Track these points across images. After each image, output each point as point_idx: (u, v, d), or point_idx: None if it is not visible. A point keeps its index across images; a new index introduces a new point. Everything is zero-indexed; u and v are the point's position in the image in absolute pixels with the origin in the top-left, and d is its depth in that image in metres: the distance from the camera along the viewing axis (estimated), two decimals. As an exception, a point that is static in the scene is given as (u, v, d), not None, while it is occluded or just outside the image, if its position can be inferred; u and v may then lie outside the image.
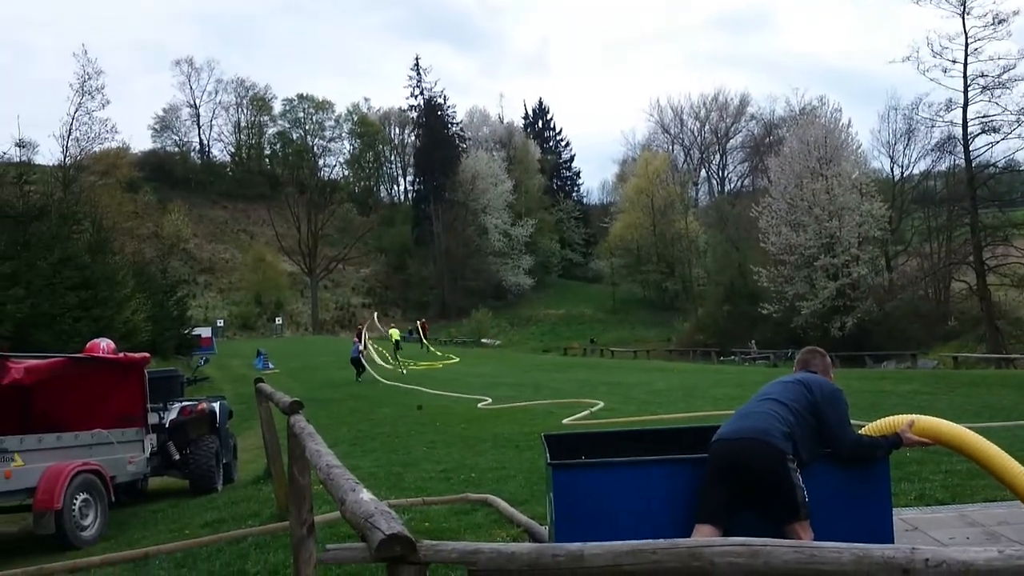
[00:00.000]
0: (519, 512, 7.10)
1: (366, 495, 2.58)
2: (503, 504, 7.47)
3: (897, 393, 17.01)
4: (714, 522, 4.27)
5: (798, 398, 4.53)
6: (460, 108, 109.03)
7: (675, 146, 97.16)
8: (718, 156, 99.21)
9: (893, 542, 4.50)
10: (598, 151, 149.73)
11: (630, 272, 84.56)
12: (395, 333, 48.88)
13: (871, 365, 37.02)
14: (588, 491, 4.49)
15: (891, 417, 4.77)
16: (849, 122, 58.40)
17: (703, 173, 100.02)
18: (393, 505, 7.99)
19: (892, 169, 57.67)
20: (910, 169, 56.96)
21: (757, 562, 2.01)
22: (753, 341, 48.82)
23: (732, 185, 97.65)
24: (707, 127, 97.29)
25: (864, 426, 4.82)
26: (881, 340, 44.20)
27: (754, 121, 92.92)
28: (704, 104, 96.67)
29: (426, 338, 51.35)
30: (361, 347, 31.54)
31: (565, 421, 14.66)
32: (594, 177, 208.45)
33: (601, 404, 17.22)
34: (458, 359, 43.15)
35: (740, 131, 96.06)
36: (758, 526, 4.23)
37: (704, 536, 4.13)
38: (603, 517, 4.45)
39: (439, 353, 46.04)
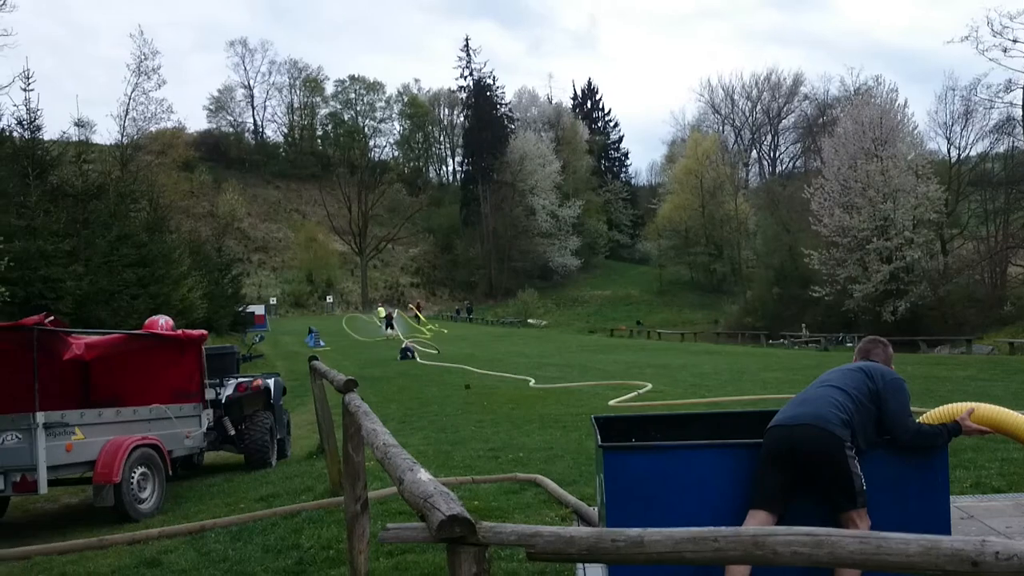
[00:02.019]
0: (567, 492, 7.12)
1: (424, 475, 2.61)
2: (552, 484, 7.49)
3: (952, 379, 16.67)
4: (769, 508, 4.24)
5: (858, 385, 4.47)
6: (509, 88, 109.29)
7: (725, 126, 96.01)
8: (770, 137, 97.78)
9: (950, 531, 4.44)
10: (647, 132, 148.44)
11: (678, 254, 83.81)
12: (381, 311, 54.82)
13: (925, 350, 36.26)
14: (640, 474, 4.48)
15: (950, 405, 4.69)
16: (905, 102, 56.99)
17: (754, 154, 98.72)
18: (443, 483, 8.08)
19: (949, 151, 56.23)
20: (967, 151, 55.52)
21: (821, 552, 1.98)
22: (803, 325, 48.12)
23: (783, 166, 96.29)
24: (759, 107, 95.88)
25: (923, 413, 4.74)
26: (935, 325, 43.25)
27: (807, 101, 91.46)
28: (756, 83, 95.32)
29: (419, 317, 54.58)
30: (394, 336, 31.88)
31: (612, 402, 14.62)
32: (642, 158, 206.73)
33: (649, 386, 17.14)
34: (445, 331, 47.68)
35: (793, 111, 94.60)
36: (813, 513, 4.20)
37: (758, 522, 4.14)
38: (655, 501, 4.43)
39: (428, 327, 49.50)
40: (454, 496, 2.35)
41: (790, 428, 4.34)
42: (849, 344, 38.08)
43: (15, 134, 24.76)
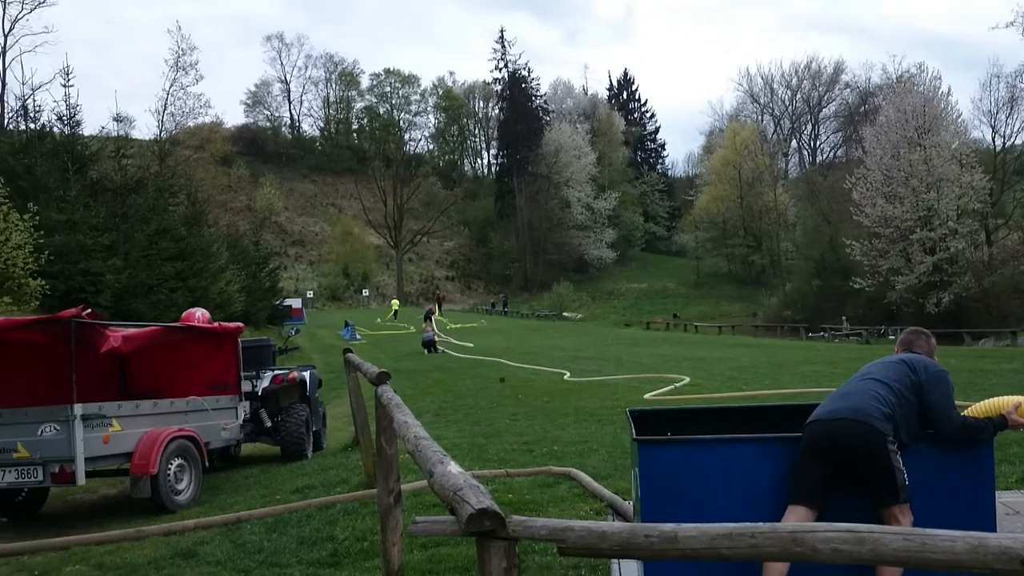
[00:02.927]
0: (602, 486, 7.05)
1: (454, 468, 2.56)
2: (586, 478, 7.43)
3: (997, 372, 16.34)
4: (808, 504, 4.15)
5: (901, 378, 4.35)
6: (544, 80, 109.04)
7: (764, 116, 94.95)
8: (810, 126, 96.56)
9: (995, 527, 4.31)
10: (684, 122, 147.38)
11: (715, 246, 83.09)
12: (395, 304, 56.70)
13: (969, 343, 35.61)
14: (676, 469, 4.40)
15: (996, 398, 4.55)
16: (949, 90, 55.79)
17: (794, 144, 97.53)
18: (476, 476, 8.06)
19: (993, 139, 55.18)
20: (1012, 139, 54.44)
21: (863, 549, 1.91)
22: (844, 317, 47.48)
23: (824, 156, 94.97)
24: (799, 96, 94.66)
25: (968, 407, 4.61)
26: (979, 317, 42.45)
27: (848, 89, 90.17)
28: (796, 72, 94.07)
29: (440, 310, 55.76)
30: (435, 335, 31.92)
31: (647, 396, 14.52)
32: (679, 149, 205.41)
33: (686, 379, 17.00)
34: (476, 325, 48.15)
35: (833, 100, 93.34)
36: (854, 509, 4.10)
37: (797, 518, 4.05)
38: (691, 496, 4.35)
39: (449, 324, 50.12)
40: (484, 489, 2.30)
41: (830, 422, 4.24)
42: (892, 336, 37.50)
43: (55, 129, 25.19)
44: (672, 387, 15.94)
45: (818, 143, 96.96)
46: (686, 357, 24.16)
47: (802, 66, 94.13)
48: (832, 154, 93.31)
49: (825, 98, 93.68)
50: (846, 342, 39.36)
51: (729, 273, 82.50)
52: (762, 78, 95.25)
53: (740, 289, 76.56)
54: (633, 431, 4.94)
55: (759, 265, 79.93)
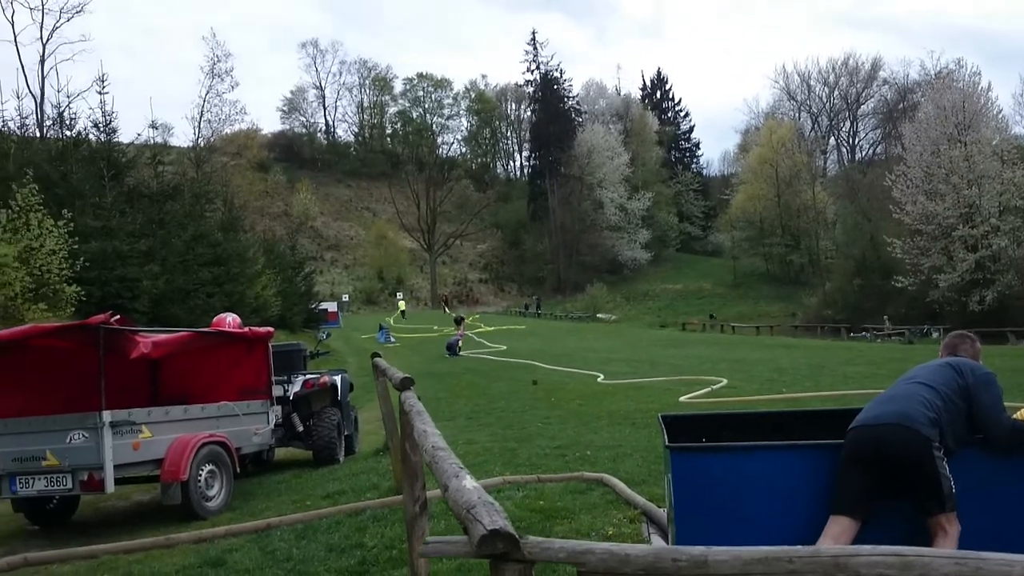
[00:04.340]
0: (636, 493, 6.87)
1: (469, 482, 2.42)
2: (619, 484, 7.25)
3: (1045, 372, 15.86)
4: (852, 513, 3.98)
5: (947, 382, 4.16)
6: (576, 81, 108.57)
7: (802, 113, 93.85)
8: (848, 123, 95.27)
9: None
10: (719, 121, 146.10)
11: (752, 245, 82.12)
12: (402, 304, 59.05)
13: (1013, 342, 34.81)
14: (710, 477, 4.23)
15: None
16: (989, 85, 54.69)
17: (832, 141, 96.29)
18: (508, 481, 7.92)
19: (1034, 135, 53.88)
20: (1055, 135, 53.09)
21: (911, 575, 1.74)
22: (886, 316, 46.71)
23: (863, 153, 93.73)
24: (836, 93, 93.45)
25: (1018, 410, 4.39)
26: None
27: (887, 86, 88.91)
28: (833, 69, 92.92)
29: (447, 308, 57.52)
30: (461, 337, 31.86)
31: (683, 399, 14.28)
32: (714, 148, 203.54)
33: (723, 382, 16.73)
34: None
35: (872, 96, 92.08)
36: (900, 518, 3.98)
37: (840, 528, 3.93)
38: (726, 505, 4.18)
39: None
40: (499, 507, 2.15)
41: (874, 428, 4.06)
42: (935, 335, 36.80)
43: (91, 137, 25.50)
44: (709, 389, 15.67)
45: (857, 140, 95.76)
46: (723, 358, 23.85)
47: (839, 62, 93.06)
48: (871, 151, 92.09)
49: (863, 95, 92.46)
50: (888, 342, 38.74)
51: (767, 273, 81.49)
52: (799, 75, 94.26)
53: (778, 289, 75.60)
54: (665, 437, 4.77)
55: (798, 264, 78.84)
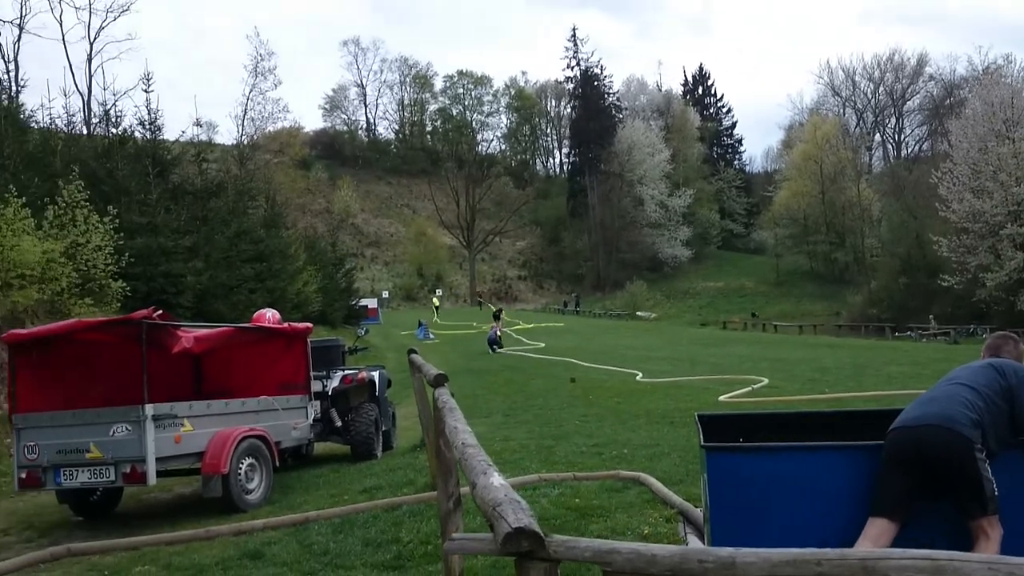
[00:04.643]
0: (673, 492, 6.81)
1: (497, 480, 2.41)
2: (656, 483, 7.20)
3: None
4: (891, 516, 3.91)
5: (989, 383, 4.06)
6: (617, 77, 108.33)
7: (846, 109, 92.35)
8: (893, 119, 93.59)
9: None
10: (762, 117, 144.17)
11: (796, 242, 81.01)
12: (436, 301, 61.11)
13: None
14: (746, 477, 4.18)
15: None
16: (1038, 81, 53.40)
17: (877, 137, 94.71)
18: (544, 479, 7.91)
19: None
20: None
21: (943, 580, 1.69)
22: (932, 316, 45.87)
23: (909, 150, 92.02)
24: (881, 89, 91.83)
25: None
26: (1075, 315, 40.43)
27: (933, 82, 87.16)
28: (878, 65, 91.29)
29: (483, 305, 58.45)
30: (499, 331, 31.88)
31: (722, 398, 14.15)
32: (757, 144, 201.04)
33: (764, 381, 16.54)
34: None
35: (918, 92, 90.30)
36: (940, 521, 3.91)
37: (879, 530, 3.87)
38: (763, 506, 4.12)
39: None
40: (525, 505, 2.14)
41: (915, 429, 3.98)
42: (983, 335, 36.01)
43: (137, 134, 25.91)
44: (749, 389, 15.51)
45: (902, 137, 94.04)
46: (764, 358, 23.59)
47: (884, 58, 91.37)
48: (917, 148, 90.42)
49: (909, 91, 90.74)
50: (934, 342, 38.04)
51: (811, 271, 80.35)
52: (843, 71, 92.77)
53: (822, 287, 74.52)
54: (701, 437, 4.73)
55: (842, 262, 77.60)
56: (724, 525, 4.18)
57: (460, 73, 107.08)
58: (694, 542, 5.49)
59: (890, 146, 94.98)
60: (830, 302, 67.56)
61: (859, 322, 52.76)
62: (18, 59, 33.31)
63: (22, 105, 26.09)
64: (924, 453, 3.91)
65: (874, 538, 3.85)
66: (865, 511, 3.99)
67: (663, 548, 1.89)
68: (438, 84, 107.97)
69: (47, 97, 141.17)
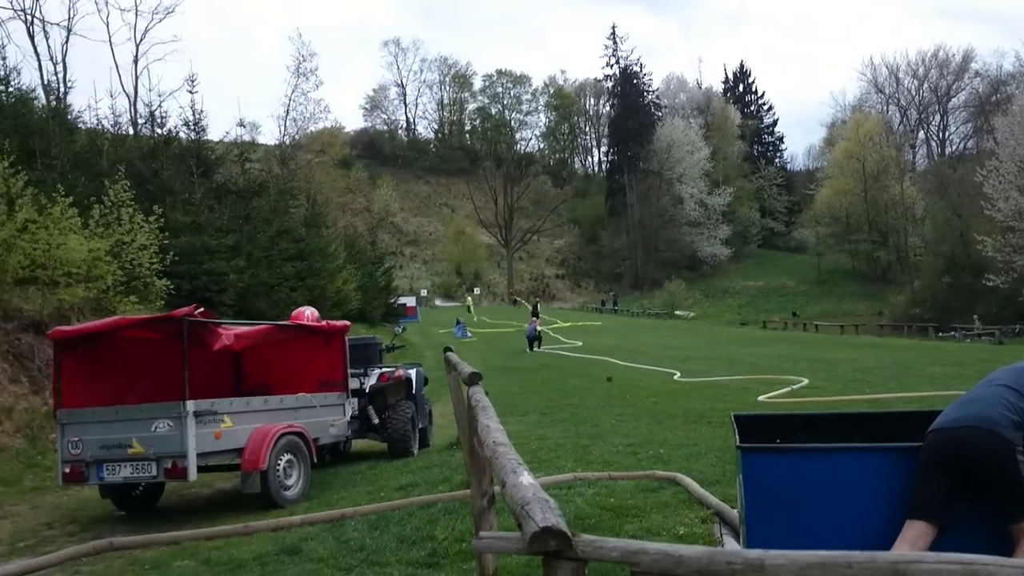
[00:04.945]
0: (709, 493, 6.76)
1: (526, 478, 2.42)
2: (692, 484, 7.16)
3: None
4: (929, 519, 3.84)
5: (1031, 383, 3.97)
6: (656, 75, 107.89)
7: (890, 106, 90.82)
8: (938, 116, 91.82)
9: None
10: (804, 114, 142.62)
11: (837, 241, 79.89)
12: (469, 299, 61.45)
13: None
14: (782, 479, 4.13)
15: None
16: (1090, 76, 52.12)
17: (921, 135, 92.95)
18: (579, 478, 7.90)
19: None
20: None
21: (975, 584, 1.66)
22: (976, 316, 45.02)
23: (953, 147, 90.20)
24: (926, 85, 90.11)
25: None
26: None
27: (979, 78, 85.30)
28: (923, 61, 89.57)
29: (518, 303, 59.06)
30: (537, 326, 31.86)
31: (761, 398, 14.01)
32: (799, 142, 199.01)
33: (804, 381, 16.35)
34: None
35: (963, 89, 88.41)
36: (979, 524, 3.83)
37: (917, 533, 3.80)
38: (799, 508, 4.07)
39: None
40: (553, 504, 2.14)
41: (954, 431, 3.91)
42: (1029, 336, 35.32)
43: (182, 134, 26.35)
44: (789, 389, 15.33)
45: (947, 134, 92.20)
46: (805, 358, 23.31)
47: (929, 54, 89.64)
48: (962, 145, 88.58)
49: (954, 87, 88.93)
50: (978, 342, 37.32)
51: (853, 270, 79.18)
52: (887, 67, 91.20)
53: (864, 286, 73.43)
54: (737, 437, 4.69)
55: (885, 261, 76.37)
56: (760, 526, 4.14)
57: (499, 72, 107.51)
58: (730, 543, 5.46)
59: (934, 143, 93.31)
60: (872, 302, 66.60)
61: (902, 322, 52.00)
62: (66, 60, 33.92)
63: (70, 106, 26.67)
64: (963, 455, 3.85)
65: (912, 541, 3.80)
66: (903, 513, 3.93)
67: (691, 549, 1.88)
68: (477, 83, 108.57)
69: (94, 98, 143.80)
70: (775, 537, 3.95)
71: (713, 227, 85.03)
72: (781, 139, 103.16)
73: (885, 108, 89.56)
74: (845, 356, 23.92)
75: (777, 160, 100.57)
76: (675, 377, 18.78)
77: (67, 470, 8.34)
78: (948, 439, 3.93)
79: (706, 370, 20.25)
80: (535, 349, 29.64)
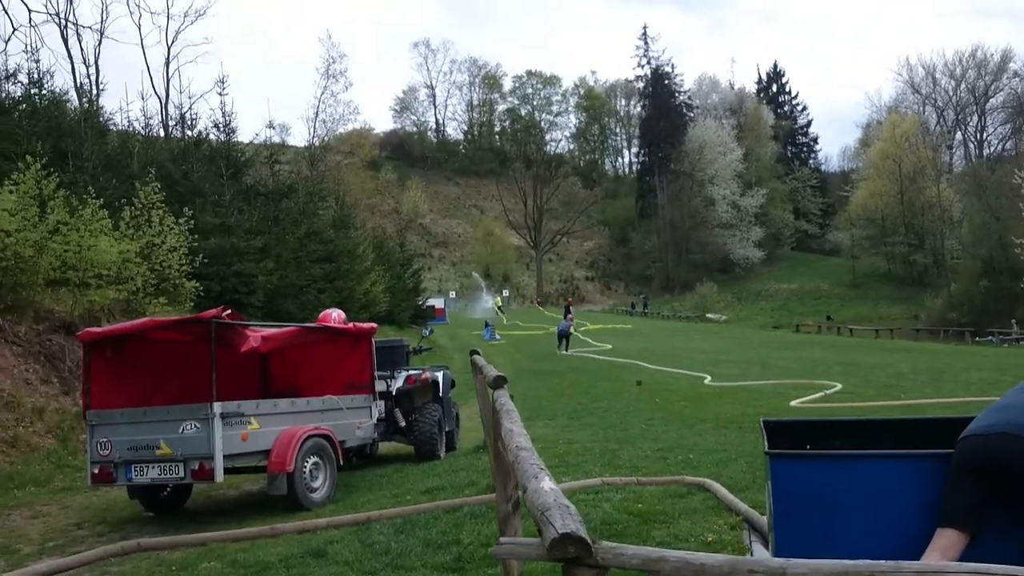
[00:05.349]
0: (738, 499, 6.65)
1: (547, 484, 2.36)
2: (721, 489, 7.05)
3: None
4: (961, 526, 3.75)
5: (1065, 389, 3.85)
6: (688, 75, 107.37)
7: (926, 107, 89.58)
8: (975, 117, 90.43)
9: None
10: (838, 115, 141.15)
11: (873, 244, 79.00)
12: (498, 300, 62.66)
13: None
14: (811, 485, 4.04)
15: None
16: None
17: (958, 136, 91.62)
18: (607, 483, 7.81)
19: None
20: None
21: (1000, 595, 1.59)
22: (1014, 320, 44.28)
23: (991, 148, 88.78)
24: (963, 86, 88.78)
25: None
26: None
27: (1017, 79, 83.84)
28: (960, 61, 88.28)
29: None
30: (571, 325, 31.79)
31: (794, 403, 13.83)
32: (833, 143, 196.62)
33: (838, 386, 16.13)
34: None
35: (1001, 90, 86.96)
36: (1012, 532, 3.73)
37: (948, 541, 3.72)
38: (828, 515, 3.99)
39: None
40: (574, 510, 2.09)
41: (985, 438, 3.81)
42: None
43: (212, 136, 26.60)
44: (822, 394, 15.13)
45: (985, 135, 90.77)
46: (838, 362, 23.04)
47: (966, 54, 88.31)
48: (1000, 147, 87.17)
49: (992, 88, 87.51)
50: (1016, 347, 36.69)
51: (888, 273, 78.26)
52: (923, 67, 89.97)
53: (900, 290, 72.53)
54: (766, 443, 4.60)
55: (921, 265, 75.38)
56: (788, 533, 4.06)
57: (529, 73, 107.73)
58: (759, 550, 5.37)
59: (972, 145, 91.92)
60: (908, 305, 65.79)
61: (938, 326, 51.31)
62: (99, 63, 34.36)
63: (102, 108, 26.95)
64: (995, 462, 3.75)
65: (943, 549, 3.70)
66: (934, 521, 3.83)
67: (711, 557, 1.82)
68: (507, 84, 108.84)
69: (126, 100, 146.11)
70: (803, 544, 3.87)
71: (746, 229, 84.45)
72: (815, 140, 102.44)
73: (921, 109, 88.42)
74: (879, 361, 23.61)
75: (811, 161, 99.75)
76: (706, 381, 18.62)
77: (96, 471, 8.41)
78: (980, 446, 3.84)
79: (737, 374, 20.07)
80: (564, 351, 29.55)
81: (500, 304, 61.60)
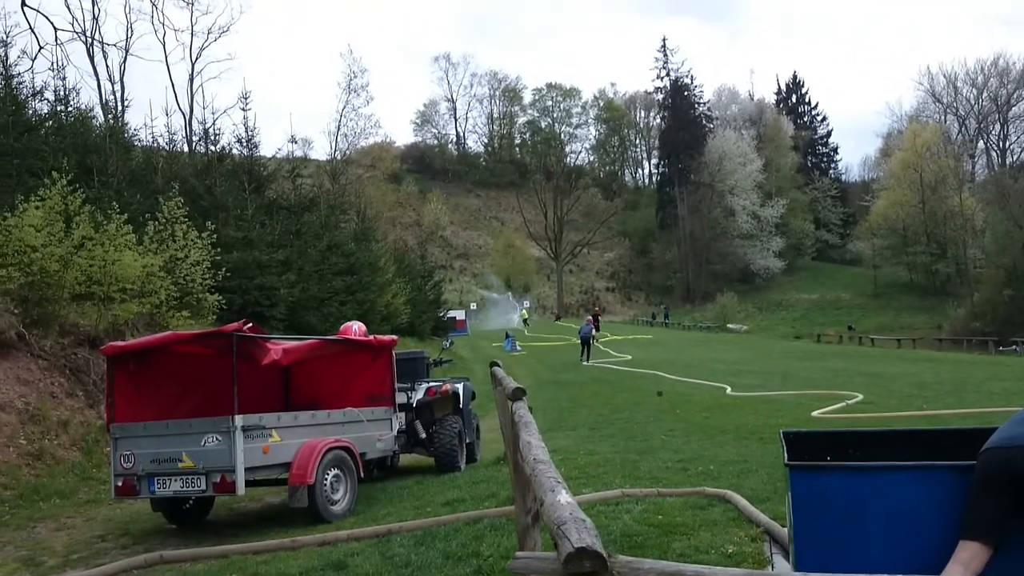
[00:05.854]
0: (759, 511, 6.62)
1: (564, 497, 2.37)
2: (742, 501, 7.01)
3: None
4: (984, 539, 3.72)
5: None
6: (708, 86, 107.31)
7: (948, 116, 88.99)
8: (998, 126, 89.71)
9: None
10: (859, 125, 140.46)
11: (894, 253, 78.38)
12: (524, 313, 62.77)
13: None
14: (831, 497, 4.02)
15: None
16: None
17: (980, 145, 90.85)
18: (627, 494, 7.79)
19: None
20: None
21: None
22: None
23: (1014, 157, 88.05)
24: (985, 94, 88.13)
25: None
26: None
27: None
28: (982, 70, 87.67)
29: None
30: (594, 331, 31.72)
31: (815, 414, 13.74)
32: (854, 153, 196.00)
33: (859, 396, 16.00)
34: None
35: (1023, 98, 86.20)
36: None
37: (971, 554, 3.68)
38: (849, 527, 3.96)
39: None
40: (590, 524, 2.10)
41: (1007, 450, 3.78)
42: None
43: (235, 151, 26.85)
44: (843, 404, 15.02)
45: (1007, 144, 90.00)
46: (860, 372, 22.85)
47: (988, 63, 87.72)
48: (1023, 155, 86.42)
49: (1014, 96, 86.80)
50: (1042, 357, 36.18)
51: (910, 283, 77.61)
52: (944, 76, 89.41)
53: (922, 300, 71.90)
54: (785, 454, 4.58)
55: (944, 274, 74.70)
56: (809, 545, 4.04)
57: (549, 86, 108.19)
58: (780, 562, 5.34)
59: (994, 153, 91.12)
60: (930, 315, 65.20)
61: (961, 336, 50.73)
62: (123, 80, 34.94)
63: (126, 124, 27.33)
64: (1017, 475, 3.72)
65: (965, 562, 3.67)
66: (956, 533, 3.80)
67: (727, 572, 1.83)
68: (527, 97, 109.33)
69: (150, 116, 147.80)
70: (824, 556, 3.85)
71: (766, 239, 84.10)
72: (835, 150, 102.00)
73: (943, 118, 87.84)
74: (902, 371, 23.40)
75: (831, 171, 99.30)
76: (727, 392, 18.53)
77: (119, 483, 8.47)
78: (1001, 458, 3.80)
79: (758, 385, 19.95)
80: (585, 362, 29.50)
81: (526, 316, 61.75)
